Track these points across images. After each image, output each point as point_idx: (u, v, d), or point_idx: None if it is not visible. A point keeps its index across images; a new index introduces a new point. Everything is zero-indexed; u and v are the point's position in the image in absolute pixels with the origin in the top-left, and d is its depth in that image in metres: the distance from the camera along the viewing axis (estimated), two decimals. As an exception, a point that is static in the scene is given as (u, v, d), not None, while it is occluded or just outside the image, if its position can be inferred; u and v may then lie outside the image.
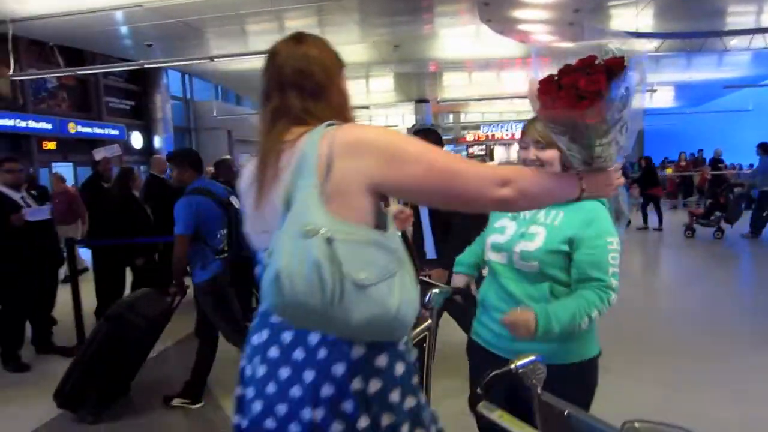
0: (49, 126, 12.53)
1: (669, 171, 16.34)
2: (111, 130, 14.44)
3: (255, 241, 1.18)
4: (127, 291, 5.18)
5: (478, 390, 1.09)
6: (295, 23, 10.13)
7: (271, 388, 1.08)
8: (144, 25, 9.87)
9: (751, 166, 16.73)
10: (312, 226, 0.95)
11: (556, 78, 1.01)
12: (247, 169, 1.19)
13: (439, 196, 1.09)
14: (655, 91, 15.55)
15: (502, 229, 1.69)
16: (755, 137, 24.38)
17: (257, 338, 1.14)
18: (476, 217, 2.32)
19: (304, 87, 1.15)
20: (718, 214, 8.97)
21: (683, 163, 15.36)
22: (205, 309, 3.31)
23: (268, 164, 1.10)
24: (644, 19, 11.20)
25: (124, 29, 10.47)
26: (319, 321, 0.99)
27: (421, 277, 2.12)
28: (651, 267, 7.99)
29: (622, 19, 11.26)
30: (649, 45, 12.33)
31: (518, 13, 10.23)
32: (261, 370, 1.10)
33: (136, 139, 15.98)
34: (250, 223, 1.18)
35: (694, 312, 5.01)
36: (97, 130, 14.02)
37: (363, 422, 1.03)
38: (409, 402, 1.10)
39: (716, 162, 14.52)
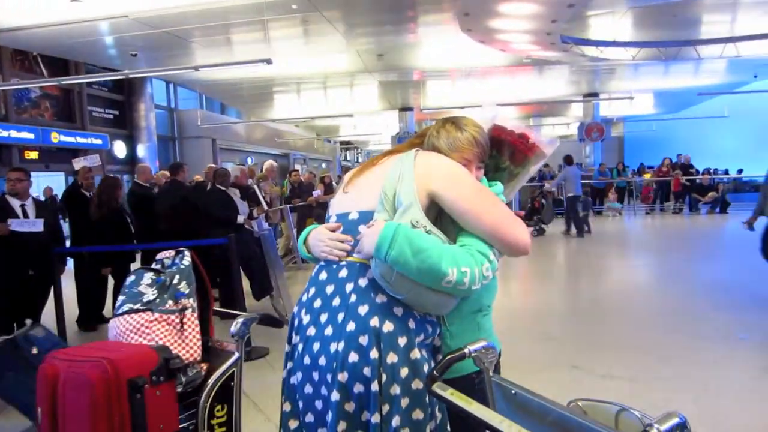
0: (31, 136, 12.51)
1: (647, 176, 16.68)
2: (94, 139, 14.44)
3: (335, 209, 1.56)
4: (109, 299, 5.22)
5: (434, 372, 1.20)
6: (280, 33, 10.24)
7: (316, 330, 1.40)
8: (129, 35, 9.90)
9: (727, 171, 17.19)
10: (417, 221, 1.33)
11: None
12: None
13: (485, 222, 1.36)
14: (632, 98, 15.88)
15: None
16: (732, 142, 24.98)
17: (305, 296, 1.47)
18: None
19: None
20: (537, 217, 11.05)
21: (665, 169, 15.65)
22: None
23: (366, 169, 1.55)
24: (622, 29, 11.50)
25: (109, 39, 10.48)
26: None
27: (215, 308, 1.99)
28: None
29: (600, 28, 11.54)
30: (626, 53, 12.62)
31: (497, 24, 10.42)
32: (306, 319, 1.43)
33: (120, 149, 15.96)
34: (339, 198, 1.57)
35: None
36: (80, 140, 14.01)
37: (373, 354, 1.30)
38: (414, 353, 1.32)
39: (687, 167, 14.83)
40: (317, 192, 9.71)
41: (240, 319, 1.73)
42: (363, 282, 1.38)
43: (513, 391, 1.24)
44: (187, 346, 1.68)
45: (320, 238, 1.49)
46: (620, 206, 14.96)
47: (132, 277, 1.81)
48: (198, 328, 1.73)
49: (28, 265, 4.29)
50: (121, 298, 1.76)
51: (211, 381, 1.69)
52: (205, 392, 1.68)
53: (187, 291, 1.74)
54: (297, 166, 22.66)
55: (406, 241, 1.26)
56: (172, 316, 1.68)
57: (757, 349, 4.00)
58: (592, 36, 11.92)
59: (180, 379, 1.56)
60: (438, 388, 1.16)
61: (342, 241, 1.44)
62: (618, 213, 14.58)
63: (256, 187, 7.15)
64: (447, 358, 1.22)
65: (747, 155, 21.41)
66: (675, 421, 0.89)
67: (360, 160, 38.53)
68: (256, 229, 5.72)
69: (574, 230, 11.11)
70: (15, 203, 4.31)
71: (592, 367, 3.75)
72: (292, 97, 17.69)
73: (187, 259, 1.82)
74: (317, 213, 9.62)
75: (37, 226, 4.26)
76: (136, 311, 1.69)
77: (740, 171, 17.29)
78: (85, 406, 1.42)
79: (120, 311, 1.72)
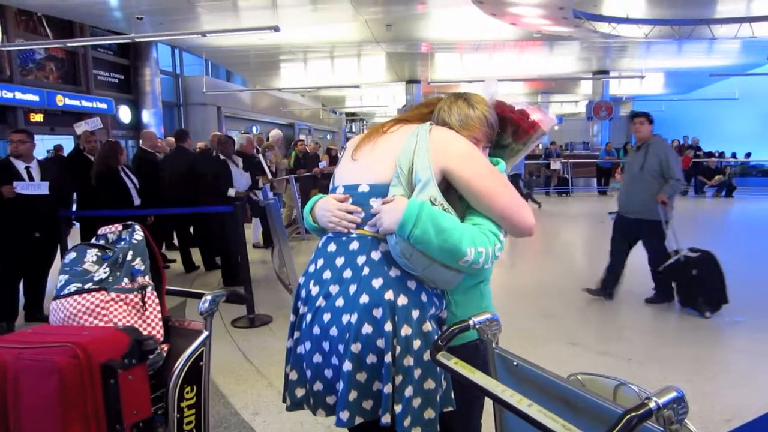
0: (36, 98, 12.43)
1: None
2: (99, 103, 14.34)
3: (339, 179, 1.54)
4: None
5: (439, 341, 1.23)
6: (289, 0, 10.08)
7: (326, 302, 1.41)
8: (134, -3, 9.78)
9: (734, 155, 17.05)
10: (435, 198, 1.33)
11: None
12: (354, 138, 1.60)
13: (492, 200, 1.38)
14: (643, 77, 15.65)
15: None
16: (741, 125, 24.69)
17: (312, 267, 1.48)
18: None
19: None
20: None
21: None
22: None
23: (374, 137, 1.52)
24: (635, 5, 11.27)
25: (114, 1, 10.34)
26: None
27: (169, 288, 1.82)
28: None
29: (613, 4, 11.32)
30: (638, 31, 12.40)
31: (510, -4, 10.25)
32: (314, 290, 1.44)
33: (125, 113, 15.87)
34: (346, 167, 1.54)
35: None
36: (85, 103, 13.92)
37: (388, 326, 1.32)
38: (426, 326, 1.35)
39: (694, 149, 14.74)
40: (323, 163, 9.70)
41: (208, 297, 1.65)
42: (376, 255, 1.39)
43: (515, 363, 1.27)
44: (149, 327, 1.59)
45: (328, 208, 1.47)
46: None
47: (72, 254, 1.66)
48: (159, 308, 1.65)
49: (33, 228, 4.32)
50: (63, 277, 1.60)
51: (180, 362, 1.60)
52: (176, 374, 1.59)
53: (142, 268, 1.63)
54: (302, 137, 22.55)
55: (430, 221, 1.28)
56: (131, 295, 1.58)
57: (753, 333, 4.04)
58: (604, 12, 11.69)
59: None
60: (442, 357, 1.19)
61: (351, 213, 1.43)
62: (622, 193, 14.53)
63: (261, 156, 7.13)
64: (451, 328, 1.25)
65: (756, 139, 21.21)
66: (673, 395, 0.91)
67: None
68: (261, 199, 5.74)
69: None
70: (20, 165, 4.30)
71: (589, 345, 3.80)
72: (298, 66, 17.51)
73: (139, 234, 1.70)
74: (322, 184, 9.62)
75: (42, 189, 4.28)
76: (88, 291, 1.54)
77: (748, 155, 17.14)
78: (51, 395, 1.29)
79: (66, 291, 1.56)
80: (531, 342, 3.74)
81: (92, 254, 1.65)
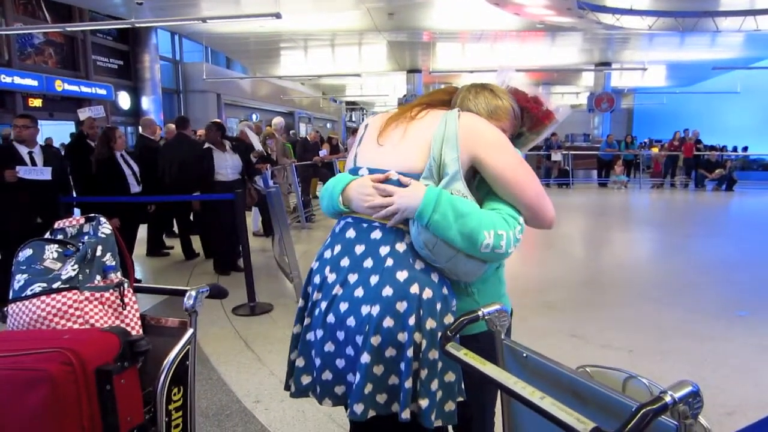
0: (35, 83, 12.36)
1: (654, 150, 16.56)
2: (98, 89, 14.27)
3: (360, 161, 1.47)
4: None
5: (448, 332, 1.22)
6: (289, -13, 9.98)
7: (343, 290, 1.37)
8: (134, -19, 9.68)
9: (735, 148, 17.03)
10: (459, 190, 1.31)
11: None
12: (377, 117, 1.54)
13: (518, 188, 1.36)
14: (645, 69, 15.58)
15: None
16: (742, 119, 24.65)
17: (329, 252, 1.43)
18: None
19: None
20: None
21: (676, 143, 15.45)
22: None
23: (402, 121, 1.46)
24: (639, -4, 11.20)
25: (113, -15, 10.26)
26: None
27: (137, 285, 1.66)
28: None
29: (618, -6, 11.25)
30: (642, 22, 12.32)
31: (514, -15, 10.17)
32: (331, 277, 1.40)
33: (124, 100, 15.80)
34: (371, 149, 1.46)
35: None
36: (84, 89, 13.85)
37: (412, 320, 1.30)
38: (447, 318, 1.34)
39: (695, 142, 14.70)
40: (323, 152, 9.66)
41: (192, 293, 1.56)
42: (401, 247, 1.35)
43: (524, 354, 1.26)
44: (128, 327, 1.48)
45: (368, 192, 1.37)
46: (626, 179, 14.90)
47: (28, 252, 1.50)
48: (137, 306, 1.54)
49: (35, 213, 4.30)
50: (21, 277, 1.44)
51: (167, 362, 1.48)
52: (163, 375, 1.47)
53: (114, 264, 1.51)
54: (302, 125, 22.47)
55: (449, 206, 1.27)
56: (107, 294, 1.45)
57: (756, 327, 4.03)
58: (608, 3, 11.61)
59: None
60: (452, 348, 1.17)
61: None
62: (623, 186, 14.52)
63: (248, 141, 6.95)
64: (460, 319, 1.24)
65: (757, 133, 21.18)
66: (689, 389, 0.89)
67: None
68: (262, 186, 5.70)
69: None
70: (23, 150, 4.29)
71: (591, 337, 3.80)
72: (299, 53, 17.40)
73: (106, 228, 1.55)
74: (322, 172, 9.59)
75: (45, 174, 4.26)
76: (57, 291, 1.39)
77: (745, 148, 17.12)
78: (40, 409, 1.14)
79: (29, 292, 1.40)
80: (532, 334, 3.73)
81: (52, 250, 1.50)
